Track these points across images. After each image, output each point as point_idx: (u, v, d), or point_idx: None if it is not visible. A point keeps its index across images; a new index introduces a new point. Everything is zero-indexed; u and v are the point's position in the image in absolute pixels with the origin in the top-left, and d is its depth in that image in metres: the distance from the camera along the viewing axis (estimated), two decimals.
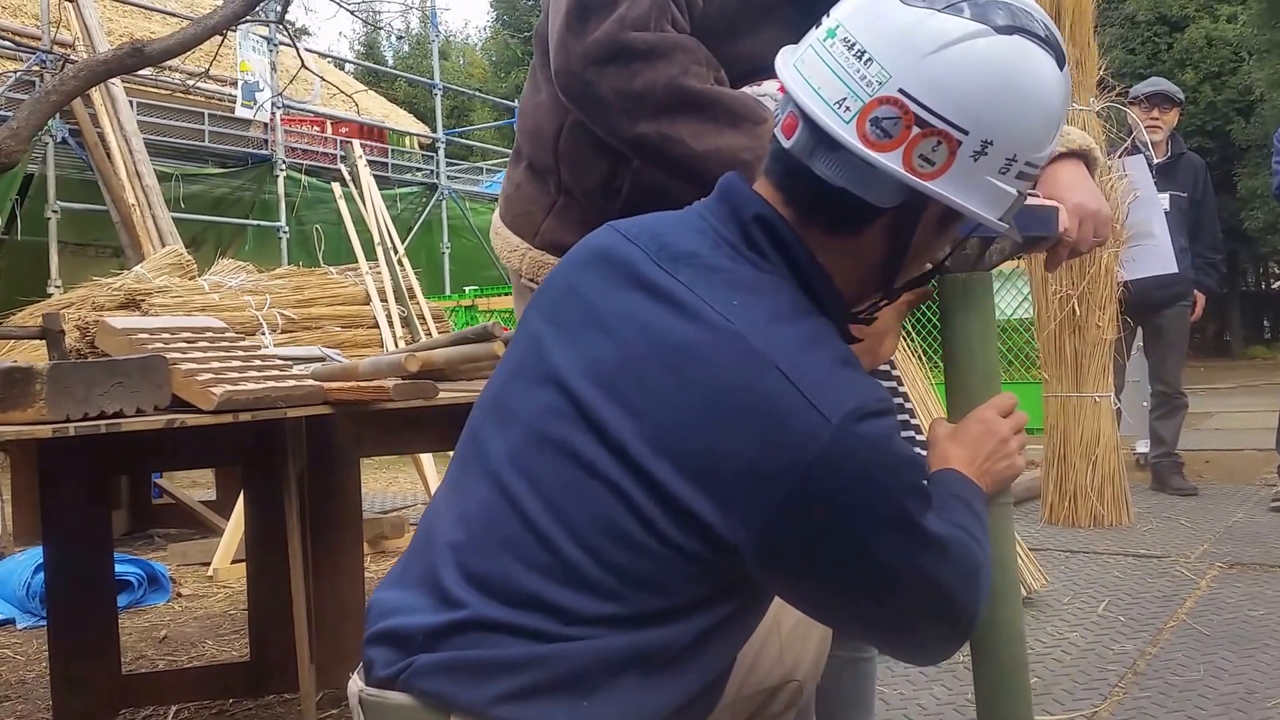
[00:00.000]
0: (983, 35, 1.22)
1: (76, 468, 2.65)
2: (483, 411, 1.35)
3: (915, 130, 1.23)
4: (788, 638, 1.52)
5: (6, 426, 1.82)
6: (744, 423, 1.16)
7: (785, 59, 1.33)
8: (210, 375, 2.09)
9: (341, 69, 17.80)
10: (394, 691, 1.22)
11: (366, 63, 21.56)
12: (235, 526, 4.49)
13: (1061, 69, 1.28)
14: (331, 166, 11.66)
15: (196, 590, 4.54)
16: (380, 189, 7.40)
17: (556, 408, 1.24)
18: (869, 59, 1.23)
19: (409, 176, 14.25)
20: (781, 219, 1.30)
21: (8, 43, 9.66)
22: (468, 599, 1.20)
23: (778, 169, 1.32)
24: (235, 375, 2.14)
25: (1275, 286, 27.06)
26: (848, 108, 1.24)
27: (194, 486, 6.57)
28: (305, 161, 11.92)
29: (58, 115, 9.03)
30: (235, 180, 11.53)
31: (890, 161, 1.23)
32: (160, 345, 2.16)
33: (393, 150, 14.41)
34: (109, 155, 9.20)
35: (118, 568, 3.89)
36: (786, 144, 1.29)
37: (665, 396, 1.19)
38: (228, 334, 2.40)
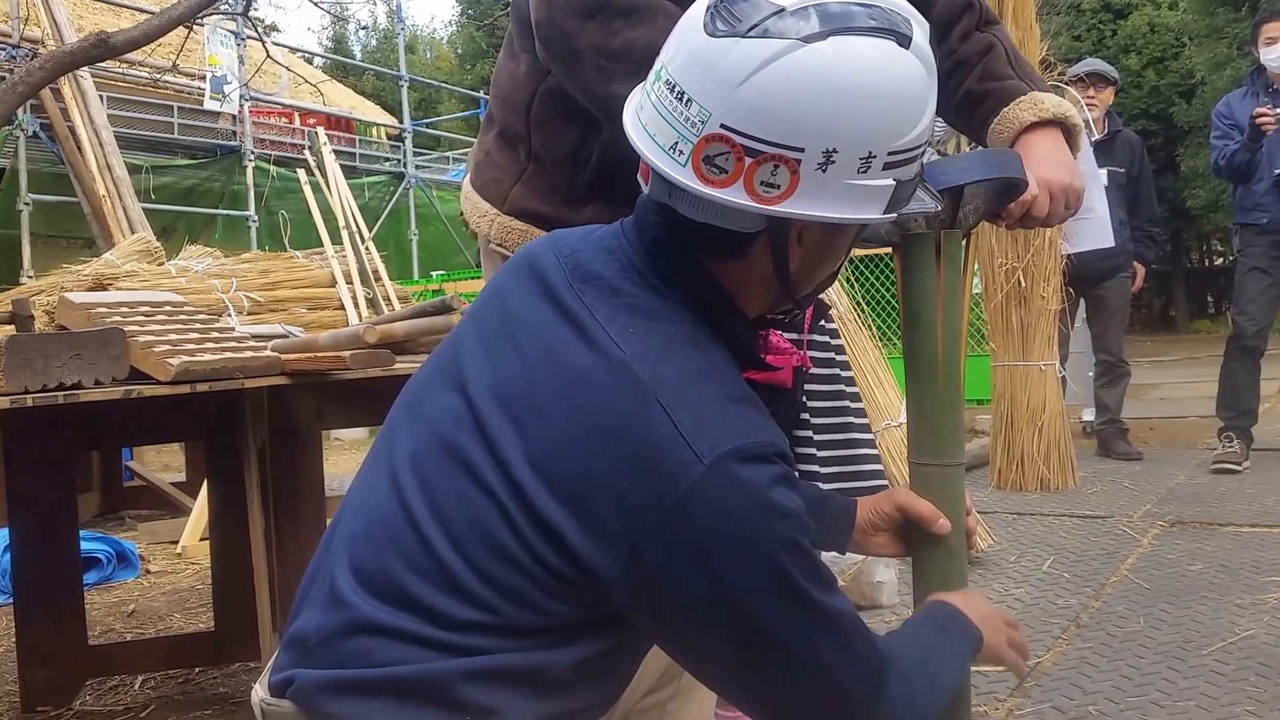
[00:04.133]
0: (790, 50, 1.17)
1: (40, 445, 2.74)
2: (400, 407, 1.37)
3: (748, 160, 1.19)
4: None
5: None
6: (619, 452, 1.16)
7: (629, 108, 1.32)
8: (168, 347, 2.18)
9: (310, 64, 17.80)
10: (285, 700, 1.24)
11: (334, 55, 21.47)
12: (202, 505, 4.59)
13: (907, 46, 1.22)
14: (299, 157, 11.70)
15: (165, 567, 4.63)
16: (348, 178, 7.49)
17: (458, 414, 1.26)
18: (688, 99, 1.20)
19: (376, 166, 14.31)
20: (676, 245, 1.30)
21: None
22: (354, 600, 1.22)
23: (650, 209, 1.32)
24: (193, 347, 2.23)
25: (1218, 263, 27.39)
26: (680, 151, 1.22)
27: (165, 470, 6.64)
28: (273, 152, 11.98)
29: (29, 110, 9.14)
30: (204, 171, 11.59)
31: (733, 195, 1.21)
32: (119, 319, 2.25)
33: (360, 140, 14.46)
34: (79, 148, 9.29)
35: (87, 545, 4.00)
36: (645, 190, 1.29)
37: (552, 419, 1.19)
38: (186, 307, 2.49)
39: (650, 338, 1.22)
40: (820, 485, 2.17)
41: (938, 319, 1.56)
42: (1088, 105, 5.81)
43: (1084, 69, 6.06)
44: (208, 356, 2.19)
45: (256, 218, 11.42)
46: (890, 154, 1.23)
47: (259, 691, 1.29)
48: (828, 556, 3.29)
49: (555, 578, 1.18)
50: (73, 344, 2.05)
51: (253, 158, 11.59)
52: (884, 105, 1.21)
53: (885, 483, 2.42)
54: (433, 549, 1.21)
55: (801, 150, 1.19)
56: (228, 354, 2.25)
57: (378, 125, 15.63)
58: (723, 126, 1.19)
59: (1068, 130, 1.78)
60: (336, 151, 8.30)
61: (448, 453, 1.24)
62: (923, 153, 1.32)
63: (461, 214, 2.22)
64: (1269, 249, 5.51)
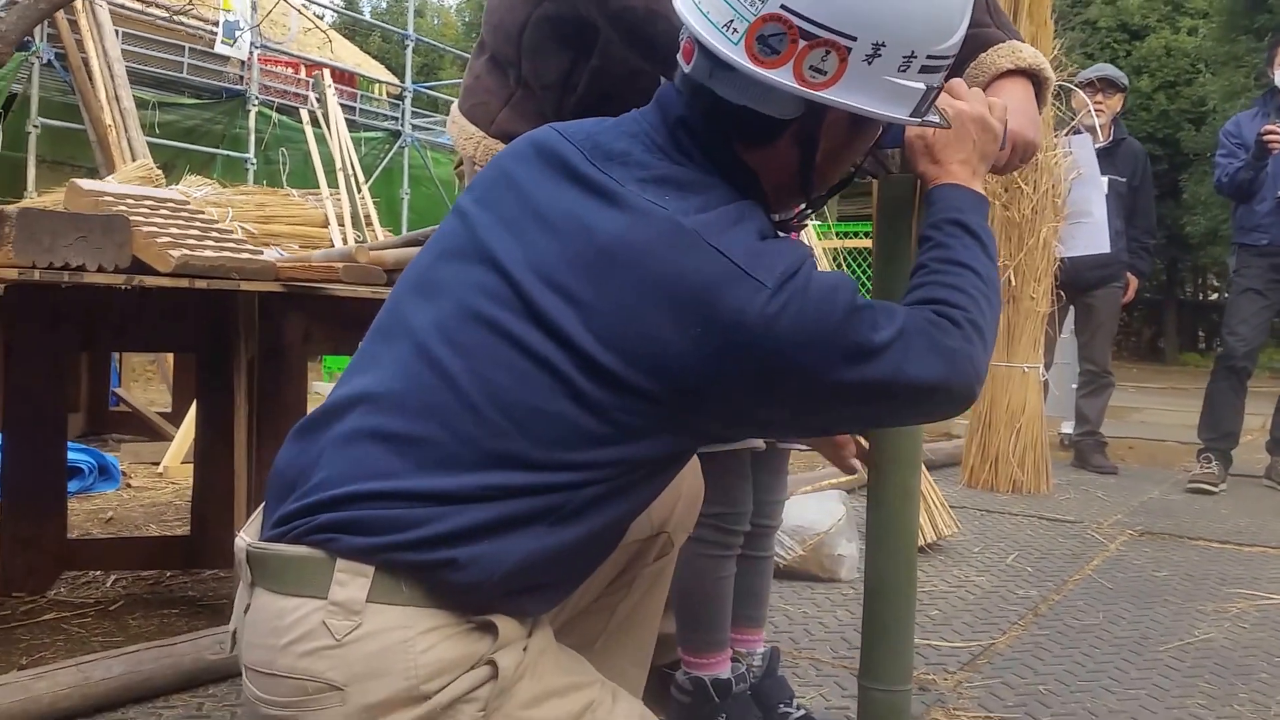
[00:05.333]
0: None
1: (39, 342, 2.77)
2: (407, 286, 1.37)
3: (802, 43, 1.26)
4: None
5: None
6: (685, 302, 1.22)
7: None
8: (169, 239, 2.21)
9: (320, 20, 17.82)
10: (282, 544, 1.25)
11: (346, 11, 21.44)
12: (186, 430, 4.61)
13: None
14: (303, 106, 11.73)
15: (145, 483, 4.66)
16: (349, 132, 7.50)
17: (493, 290, 1.27)
18: None
19: (375, 123, 14.34)
20: (706, 127, 1.35)
21: None
22: (386, 466, 1.24)
23: (686, 90, 1.37)
24: (193, 243, 2.25)
25: (1213, 297, 27.50)
26: (735, 29, 1.27)
27: (151, 406, 6.66)
28: (277, 100, 11.99)
29: (45, 38, 9.18)
30: (208, 112, 11.64)
31: (781, 77, 1.28)
32: (124, 209, 2.27)
33: (361, 96, 14.48)
34: (91, 78, 9.31)
35: (71, 455, 4.01)
36: (686, 69, 1.35)
37: (605, 285, 1.23)
38: (189, 206, 2.52)
39: (685, 200, 1.28)
40: (798, 446, 2.22)
41: (910, 258, 1.61)
42: (1095, 110, 5.83)
43: (1094, 73, 6.08)
44: (207, 253, 2.22)
45: (255, 161, 11.44)
46: (929, 57, 1.32)
47: (244, 538, 1.30)
48: (791, 524, 3.35)
49: (624, 427, 1.25)
50: (80, 226, 2.08)
51: (256, 103, 11.61)
52: (934, 7, 1.30)
53: None
54: (480, 414, 1.23)
55: (854, 39, 1.26)
56: (226, 254, 2.27)
57: (380, 83, 15.64)
58: (783, 7, 1.25)
59: (1039, 84, 1.83)
60: (339, 104, 8.35)
61: (485, 326, 1.26)
62: (950, 65, 1.39)
63: (457, 166, 2.25)
64: (1266, 270, 5.52)
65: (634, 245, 1.24)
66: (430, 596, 1.22)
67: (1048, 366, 5.68)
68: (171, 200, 2.52)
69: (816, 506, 3.60)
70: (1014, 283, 5.27)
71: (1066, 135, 5.50)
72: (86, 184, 2.39)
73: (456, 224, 1.38)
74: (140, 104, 9.68)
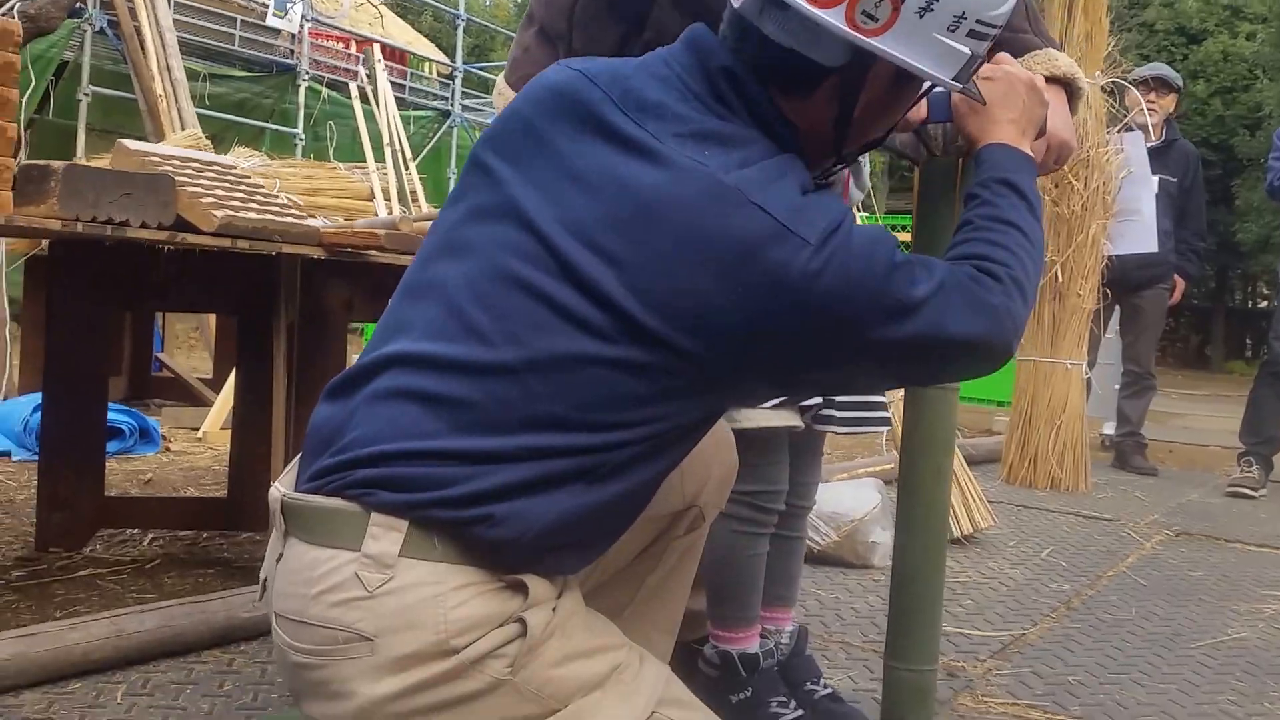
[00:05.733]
0: None
1: (82, 302, 2.80)
2: (435, 245, 1.36)
3: None
4: (688, 467, 1.56)
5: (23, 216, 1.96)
6: (727, 260, 1.21)
7: None
8: (214, 200, 2.22)
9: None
10: (318, 496, 1.26)
11: None
12: (226, 396, 4.65)
13: None
14: (352, 82, 11.78)
15: (184, 448, 4.72)
16: (397, 111, 7.52)
17: (526, 250, 1.26)
18: None
19: (425, 102, 14.37)
20: (747, 73, 1.33)
21: None
22: (423, 425, 1.23)
23: (731, 32, 1.35)
24: (237, 205, 2.27)
25: (1262, 305, 27.08)
26: None
27: (193, 372, 6.74)
28: (327, 75, 12.03)
29: (97, 5, 9.25)
30: (258, 86, 11.68)
31: (833, 18, 1.27)
32: (170, 170, 2.29)
33: (411, 74, 14.50)
34: (142, 47, 9.37)
35: (112, 415, 4.07)
36: (736, 5, 1.33)
37: (646, 245, 1.22)
38: (235, 170, 2.53)
39: (726, 155, 1.26)
40: (836, 429, 2.21)
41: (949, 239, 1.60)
42: (1148, 109, 5.76)
43: (1149, 72, 6.02)
44: (251, 215, 2.23)
45: (303, 136, 11.48)
46: (979, 21, 1.33)
47: (278, 488, 1.31)
48: (827, 510, 3.34)
49: (663, 386, 1.25)
50: (124, 183, 2.10)
51: (306, 78, 11.65)
52: None
53: (889, 426, 2.57)
54: (520, 378, 1.23)
55: None
56: (270, 216, 2.29)
57: (431, 61, 15.66)
58: None
59: (1072, 92, 1.84)
60: (389, 83, 8.39)
61: (518, 286, 1.25)
62: (996, 37, 1.38)
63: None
64: None
65: (674, 203, 1.23)
66: (463, 553, 1.23)
67: (1091, 365, 5.63)
68: (218, 163, 2.54)
69: (852, 494, 3.59)
70: (1061, 279, 5.22)
71: (1118, 133, 5.43)
72: (133, 144, 2.41)
73: (481, 180, 1.35)
74: (191, 75, 9.73)
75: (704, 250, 1.22)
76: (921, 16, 1.29)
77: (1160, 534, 4.34)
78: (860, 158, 1.89)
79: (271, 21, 11.27)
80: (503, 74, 2.10)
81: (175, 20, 9.87)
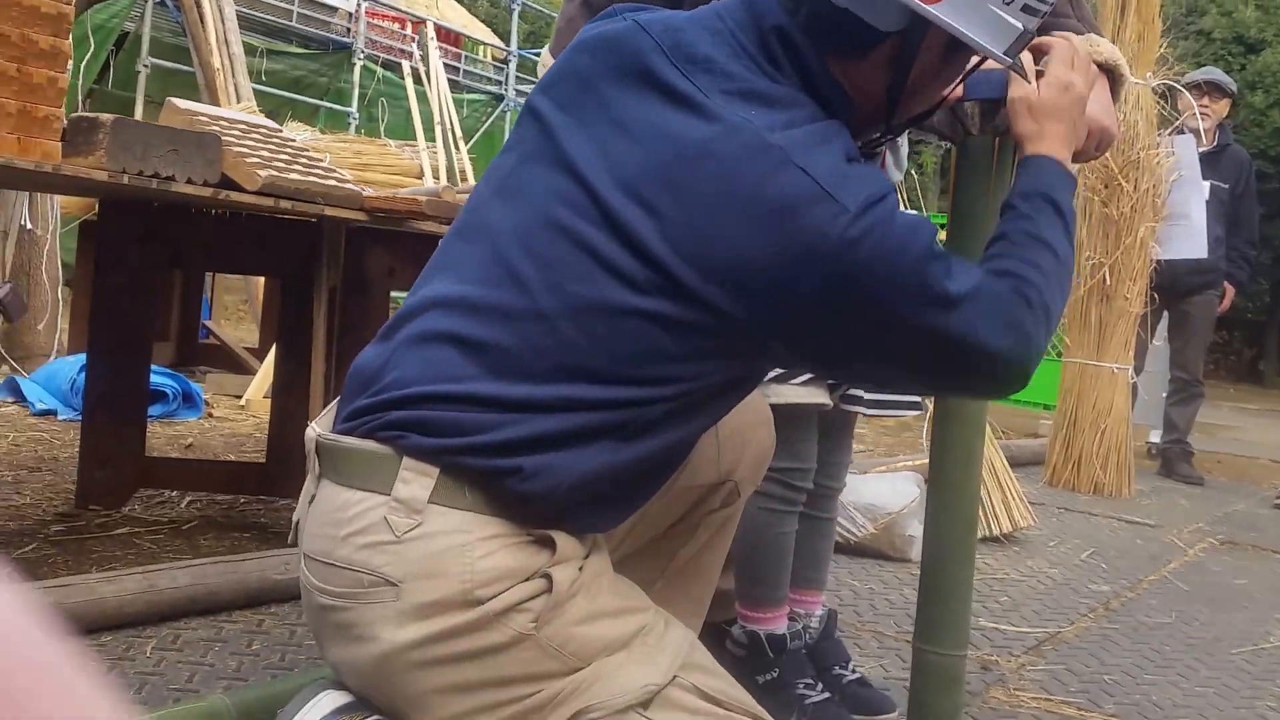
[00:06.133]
0: None
1: (129, 256, 2.82)
2: (489, 188, 1.37)
3: None
4: (725, 440, 1.59)
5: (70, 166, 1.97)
6: (764, 218, 1.20)
7: None
8: (259, 160, 2.23)
9: None
10: (352, 437, 1.26)
11: None
12: (269, 365, 4.68)
13: None
14: (406, 61, 11.83)
15: (227, 414, 4.75)
16: (451, 93, 7.52)
17: (572, 198, 1.26)
18: None
19: (479, 85, 14.40)
20: (800, 33, 1.31)
21: None
22: (458, 369, 1.23)
23: None
24: (281, 165, 2.27)
25: None
26: None
27: (240, 343, 6.81)
28: (382, 55, 12.09)
29: None
30: (314, 63, 11.74)
31: None
32: (218, 129, 2.30)
33: (466, 57, 14.53)
34: (201, 20, 9.46)
35: (156, 379, 4.11)
36: None
37: (686, 196, 1.22)
38: (281, 133, 2.54)
39: (772, 115, 1.25)
40: (864, 410, 2.18)
41: (985, 220, 1.63)
42: (1200, 113, 5.69)
43: (1202, 76, 5.94)
44: (294, 176, 2.23)
45: (357, 115, 11.55)
46: None
47: (314, 428, 1.32)
48: (864, 502, 3.32)
49: (697, 350, 1.25)
50: (172, 139, 2.10)
51: (362, 56, 11.72)
52: None
53: (919, 411, 2.56)
54: (556, 326, 1.23)
55: None
56: (314, 178, 2.29)
57: (486, 45, 15.70)
58: None
59: (1115, 78, 1.80)
60: (443, 65, 8.40)
61: (565, 236, 1.25)
62: (1048, 14, 1.38)
63: None
64: None
65: (717, 157, 1.22)
66: (492, 504, 1.22)
67: (1138, 371, 5.56)
68: (265, 126, 2.54)
69: (890, 487, 3.56)
70: (1109, 281, 5.16)
71: (1169, 135, 5.35)
72: (182, 103, 2.42)
73: (533, 127, 1.35)
74: (249, 50, 9.79)
75: (743, 206, 1.21)
76: None
77: (1204, 541, 4.28)
78: (900, 138, 1.86)
79: None
80: (547, 45, 2.11)
81: None
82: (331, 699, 1.29)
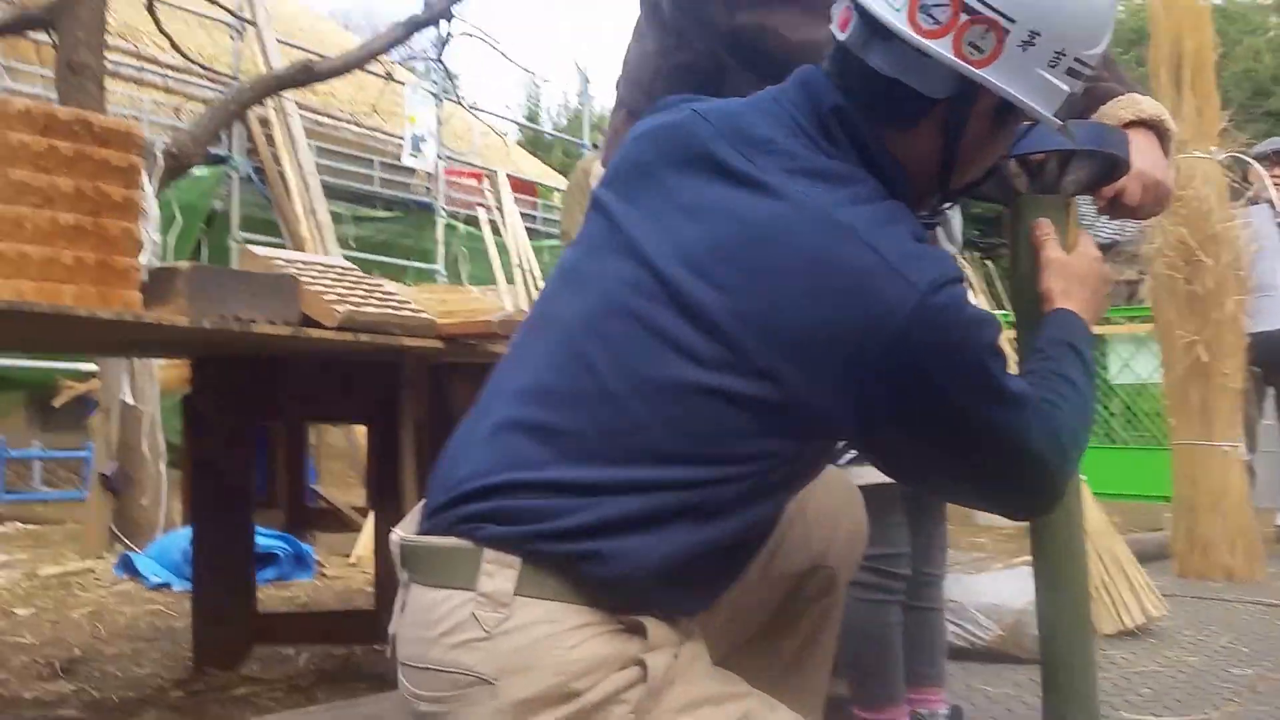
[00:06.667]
0: None
1: (221, 412, 2.86)
2: (555, 282, 1.40)
3: (964, 17, 1.28)
4: (814, 523, 1.56)
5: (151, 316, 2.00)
6: (832, 293, 1.21)
7: None
8: (336, 297, 2.26)
9: (504, 136, 18.49)
10: (432, 536, 1.27)
11: (527, 125, 22.21)
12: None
13: None
14: (485, 212, 12.13)
15: (339, 572, 4.76)
16: (530, 240, 7.63)
17: (639, 283, 1.27)
18: None
19: (557, 230, 14.68)
20: (855, 111, 1.33)
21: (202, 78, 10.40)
22: (531, 456, 1.24)
23: (834, 65, 1.37)
24: (358, 300, 2.30)
25: None
26: None
27: (349, 505, 6.87)
28: (463, 210, 12.39)
29: (244, 153, 9.72)
30: (398, 225, 12.06)
31: (941, 48, 1.28)
32: (294, 271, 2.34)
33: (541, 205, 14.84)
34: (288, 192, 9.81)
35: (266, 541, 4.16)
36: (841, 37, 1.35)
37: (755, 272, 1.22)
38: (355, 272, 2.58)
39: (836, 192, 1.26)
40: None
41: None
42: (1273, 184, 5.64)
43: (1270, 146, 5.93)
44: (371, 309, 2.26)
45: (444, 271, 11.80)
46: (1077, 59, 1.35)
47: (398, 532, 1.33)
48: (987, 602, 3.19)
49: (764, 428, 1.24)
50: (250, 283, 2.15)
51: (444, 214, 12.02)
52: (1091, 10, 1.34)
53: None
54: (626, 406, 1.23)
55: (1014, 22, 1.28)
56: (389, 310, 2.32)
57: (561, 192, 16.07)
58: None
59: (1162, 135, 1.83)
60: (521, 214, 8.56)
61: (632, 318, 1.26)
62: (1092, 76, 1.45)
63: None
64: None
65: (786, 230, 1.23)
66: (577, 592, 1.22)
67: (1251, 450, 5.37)
68: (339, 266, 2.60)
69: (1011, 584, 3.40)
70: (1204, 359, 5.01)
71: (1243, 206, 5.28)
72: (259, 250, 2.49)
73: (599, 219, 1.37)
74: (335, 219, 10.12)
75: (812, 281, 1.22)
76: (1025, 50, 1.30)
77: None
78: (950, 210, 1.85)
79: (407, 160, 11.68)
80: (599, 156, 2.18)
81: (317, 164, 10.31)
82: None
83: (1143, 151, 1.75)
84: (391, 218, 12.08)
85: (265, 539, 4.27)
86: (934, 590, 2.18)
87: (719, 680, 1.31)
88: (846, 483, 1.66)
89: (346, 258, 9.58)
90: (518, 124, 20.99)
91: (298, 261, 2.45)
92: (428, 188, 12.36)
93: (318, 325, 2.23)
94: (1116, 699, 2.91)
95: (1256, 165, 5.56)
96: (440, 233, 12.00)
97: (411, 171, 12.19)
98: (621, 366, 1.24)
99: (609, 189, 1.39)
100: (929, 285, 1.21)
